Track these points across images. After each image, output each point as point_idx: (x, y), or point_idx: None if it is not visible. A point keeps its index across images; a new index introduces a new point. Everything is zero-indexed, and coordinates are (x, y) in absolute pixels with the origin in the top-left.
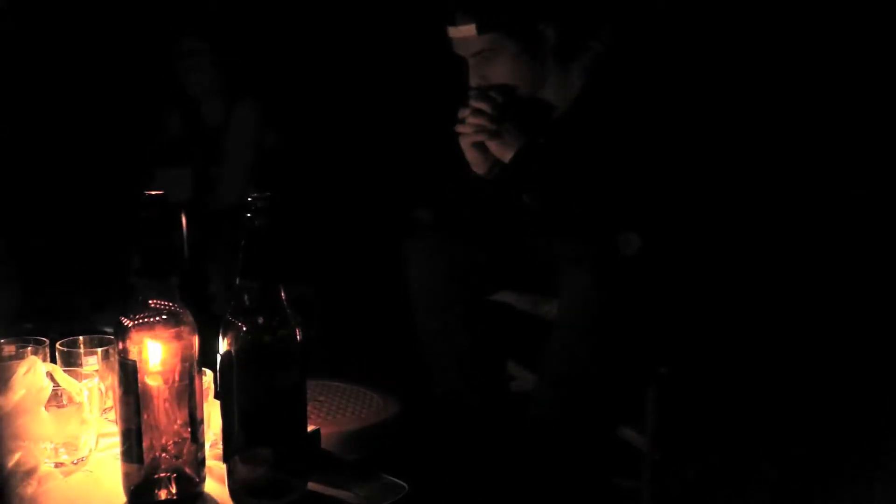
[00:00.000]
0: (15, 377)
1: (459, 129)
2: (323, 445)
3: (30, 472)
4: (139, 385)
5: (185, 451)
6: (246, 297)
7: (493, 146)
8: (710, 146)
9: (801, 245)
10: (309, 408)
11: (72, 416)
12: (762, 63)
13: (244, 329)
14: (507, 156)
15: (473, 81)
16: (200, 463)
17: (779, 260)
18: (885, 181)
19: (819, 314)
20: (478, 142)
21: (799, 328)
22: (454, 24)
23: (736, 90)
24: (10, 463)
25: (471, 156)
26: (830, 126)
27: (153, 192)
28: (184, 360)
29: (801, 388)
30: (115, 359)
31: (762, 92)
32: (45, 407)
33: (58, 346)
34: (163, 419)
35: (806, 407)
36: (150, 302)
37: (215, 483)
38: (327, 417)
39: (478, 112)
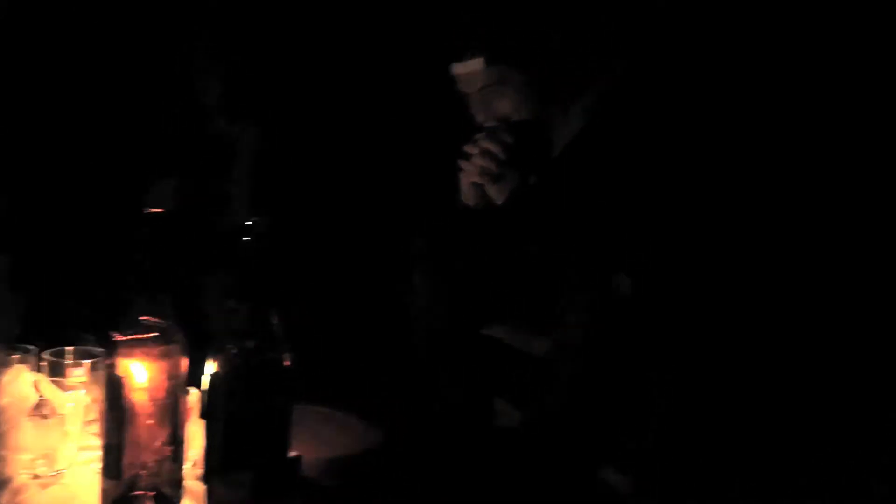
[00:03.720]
0: None
1: (464, 165)
2: (304, 471)
3: (5, 483)
4: (124, 400)
5: (164, 469)
6: (238, 319)
7: (492, 189)
8: (707, 188)
9: (799, 287)
10: (292, 433)
11: (53, 427)
12: (759, 112)
13: (234, 351)
14: (500, 198)
15: (480, 117)
16: (179, 482)
17: (777, 301)
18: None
19: (820, 354)
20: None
21: (798, 368)
22: (459, 60)
23: (734, 136)
24: None
25: (466, 191)
26: (833, 169)
27: (150, 209)
28: (171, 378)
29: (801, 431)
30: (102, 372)
31: (759, 139)
32: (28, 416)
33: (45, 355)
34: (145, 436)
35: (806, 449)
36: (142, 318)
37: None
38: (310, 443)
39: (486, 153)
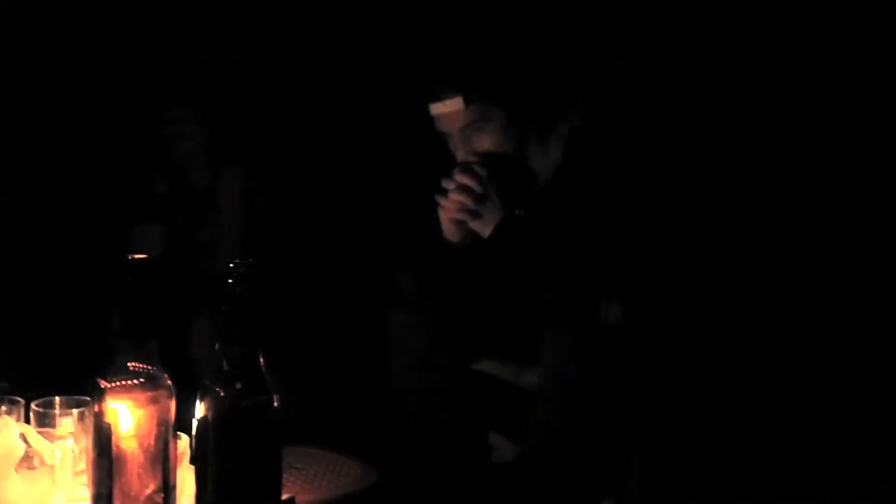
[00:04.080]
0: None
1: (441, 202)
2: None
3: None
4: (113, 448)
5: None
6: (225, 363)
7: (473, 225)
8: (690, 215)
9: (785, 312)
10: (285, 475)
11: (42, 478)
12: (739, 135)
13: (222, 394)
14: (486, 231)
15: (460, 155)
16: None
17: (764, 326)
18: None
19: (807, 380)
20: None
21: (786, 393)
22: (438, 99)
23: (715, 160)
24: None
25: (447, 227)
26: (816, 198)
27: (135, 255)
28: (160, 424)
29: (790, 455)
30: (90, 421)
31: (740, 162)
32: (16, 468)
33: (33, 406)
34: (136, 484)
35: (796, 473)
36: (129, 364)
37: None
38: (304, 485)
39: (462, 188)
